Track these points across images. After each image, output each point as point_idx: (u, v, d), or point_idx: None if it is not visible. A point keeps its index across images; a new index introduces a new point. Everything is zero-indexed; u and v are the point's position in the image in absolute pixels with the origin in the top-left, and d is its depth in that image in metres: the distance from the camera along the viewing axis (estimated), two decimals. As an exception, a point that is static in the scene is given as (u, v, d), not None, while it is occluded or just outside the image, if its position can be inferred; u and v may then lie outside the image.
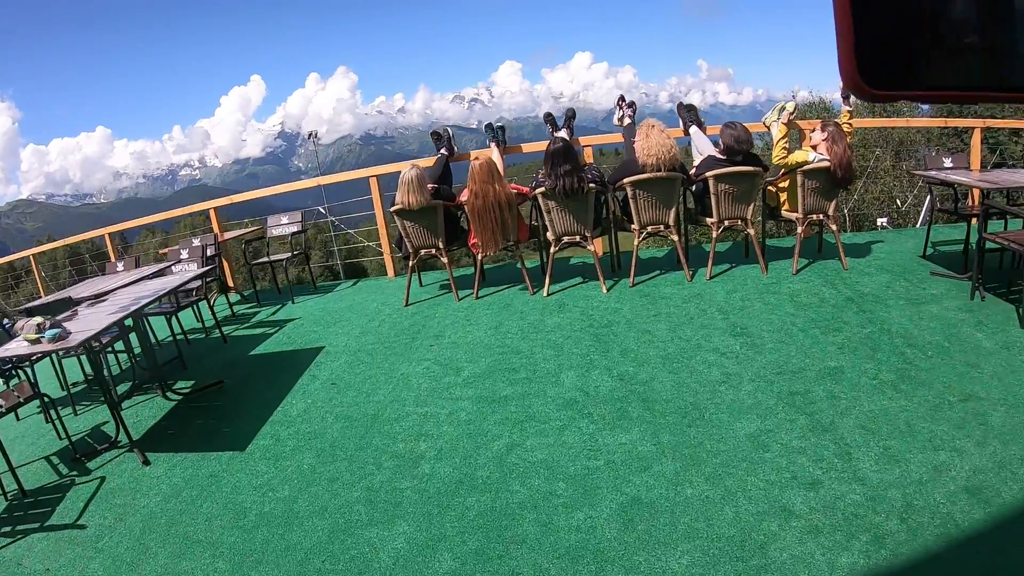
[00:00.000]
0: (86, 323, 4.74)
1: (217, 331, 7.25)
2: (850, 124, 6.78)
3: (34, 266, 13.24)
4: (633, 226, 6.62)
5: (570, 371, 4.95)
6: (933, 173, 6.81)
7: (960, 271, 6.33)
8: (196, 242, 7.93)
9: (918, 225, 9.95)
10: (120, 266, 7.69)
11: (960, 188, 6.60)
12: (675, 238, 6.65)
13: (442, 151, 7.79)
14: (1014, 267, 6.20)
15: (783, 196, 6.82)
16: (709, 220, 6.63)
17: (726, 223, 6.57)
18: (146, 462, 4.62)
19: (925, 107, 24.81)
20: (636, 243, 6.70)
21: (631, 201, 6.43)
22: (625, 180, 6.34)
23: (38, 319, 4.60)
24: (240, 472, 4.25)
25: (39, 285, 13.21)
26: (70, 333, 4.47)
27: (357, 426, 4.56)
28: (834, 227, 6.63)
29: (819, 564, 2.90)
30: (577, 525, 3.32)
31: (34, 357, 5.35)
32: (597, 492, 3.54)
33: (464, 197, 6.59)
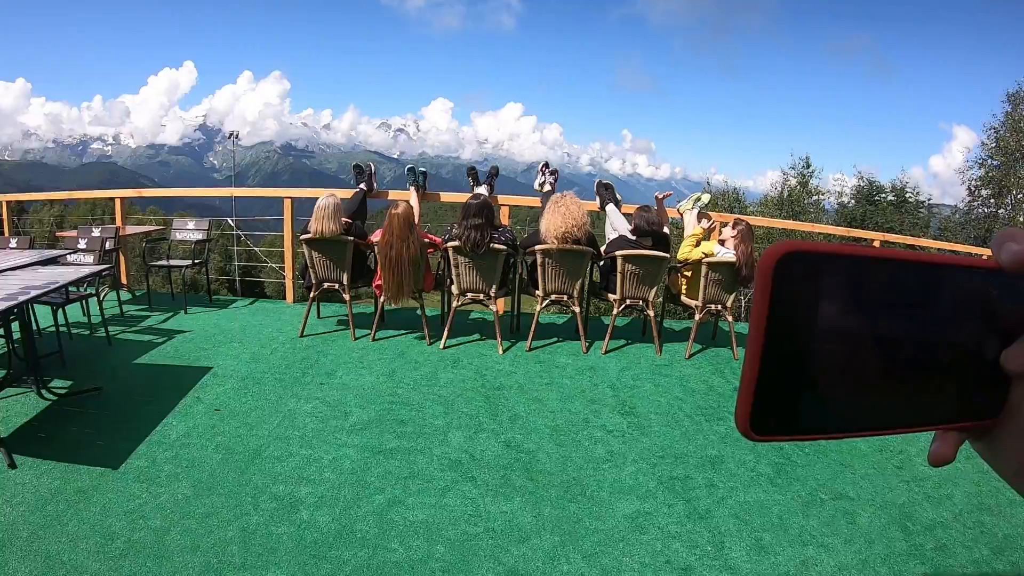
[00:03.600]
0: None
1: (103, 330, 7.03)
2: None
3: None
4: (537, 292, 6.77)
5: (458, 431, 4.98)
6: None
7: None
8: (96, 232, 7.76)
9: None
10: (13, 243, 7.36)
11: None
12: (576, 309, 6.83)
13: (361, 186, 7.79)
14: None
15: (685, 283, 7.08)
16: (612, 296, 6.86)
17: (628, 301, 6.79)
18: (12, 465, 4.40)
19: (830, 209, 26.06)
20: (538, 309, 6.86)
21: (539, 268, 6.59)
22: (536, 247, 6.49)
23: None
24: (111, 492, 4.10)
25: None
26: None
27: (238, 460, 4.48)
28: (730, 318, 6.93)
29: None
30: (451, 594, 3.34)
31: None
32: (475, 559, 3.57)
33: (376, 238, 6.61)
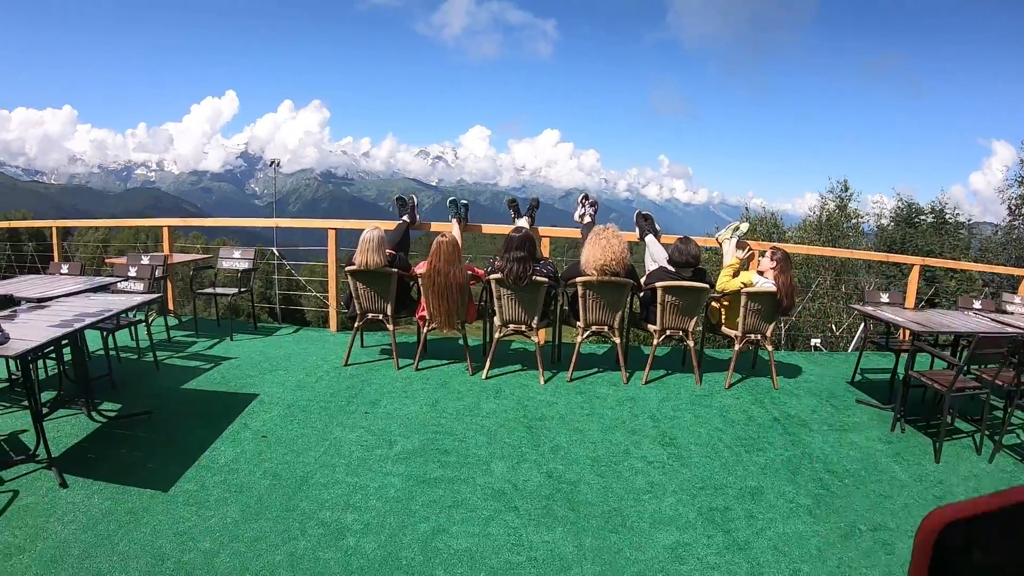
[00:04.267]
0: (26, 330, 4.65)
1: (151, 355, 7.17)
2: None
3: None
4: (578, 323, 6.81)
5: (501, 461, 5.03)
6: (869, 309, 7.17)
7: (885, 401, 6.73)
8: (145, 260, 7.91)
9: (850, 350, 10.30)
10: (64, 269, 7.63)
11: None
12: (617, 340, 6.86)
13: (404, 218, 7.92)
14: (936, 403, 6.53)
15: (723, 313, 7.10)
16: (652, 327, 6.88)
17: (668, 332, 6.81)
18: (64, 484, 4.50)
19: (869, 232, 25.68)
20: (579, 340, 6.89)
21: (580, 299, 6.64)
22: (577, 279, 6.55)
23: None
24: (161, 514, 4.18)
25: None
26: (8, 339, 4.37)
27: (285, 486, 4.56)
28: (770, 347, 6.93)
29: None
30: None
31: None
32: (516, 590, 3.60)
33: (421, 269, 6.72)
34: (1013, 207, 25.21)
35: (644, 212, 7.94)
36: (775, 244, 7.59)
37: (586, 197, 8.14)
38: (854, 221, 25.32)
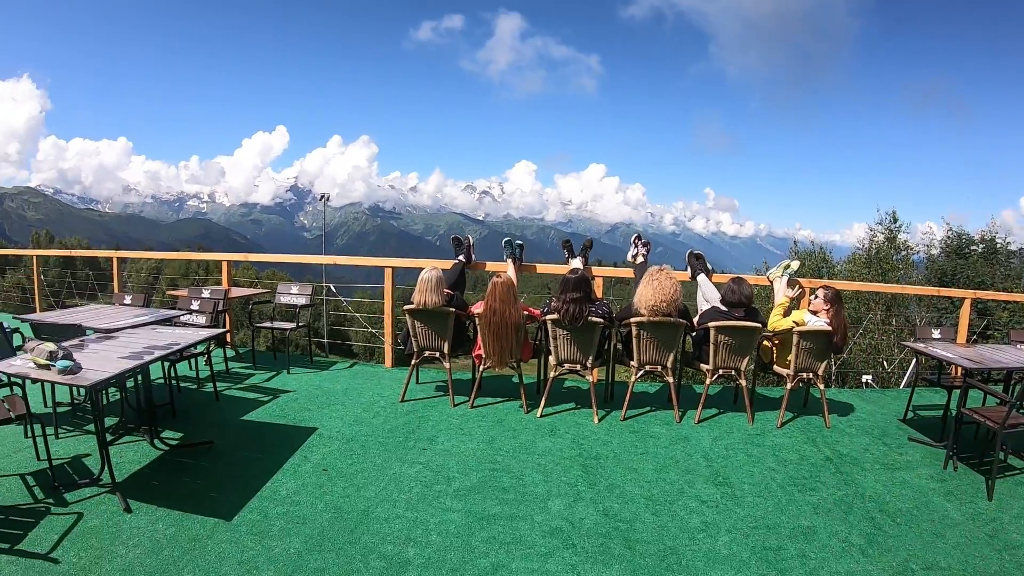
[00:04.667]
0: (96, 360, 4.82)
1: (210, 385, 7.37)
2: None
3: (35, 270, 13.43)
4: (631, 362, 6.87)
5: (558, 499, 5.06)
6: (920, 346, 7.15)
7: (937, 439, 6.68)
8: (206, 293, 8.12)
9: (902, 386, 10.20)
10: (128, 300, 7.92)
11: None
12: (670, 379, 6.90)
13: (460, 258, 8.07)
14: (989, 440, 6.43)
15: (776, 352, 7.11)
16: (704, 366, 6.92)
17: (720, 371, 6.85)
18: (128, 509, 4.63)
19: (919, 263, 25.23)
20: (632, 380, 6.94)
21: (634, 339, 6.70)
22: (631, 319, 6.61)
23: (51, 345, 4.70)
24: (225, 543, 4.27)
25: (36, 291, 13.34)
26: (80, 369, 4.54)
27: (347, 519, 4.63)
28: (821, 386, 6.92)
29: None
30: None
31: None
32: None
33: (478, 309, 6.84)
34: None
35: (696, 252, 8.02)
36: (826, 282, 7.58)
37: (639, 238, 8.23)
38: (904, 252, 24.93)
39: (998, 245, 23.97)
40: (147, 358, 5.01)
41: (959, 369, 7.10)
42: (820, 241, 28.17)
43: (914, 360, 9.23)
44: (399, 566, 4.08)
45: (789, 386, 6.90)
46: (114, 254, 11.94)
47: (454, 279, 7.63)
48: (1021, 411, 5.96)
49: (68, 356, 4.59)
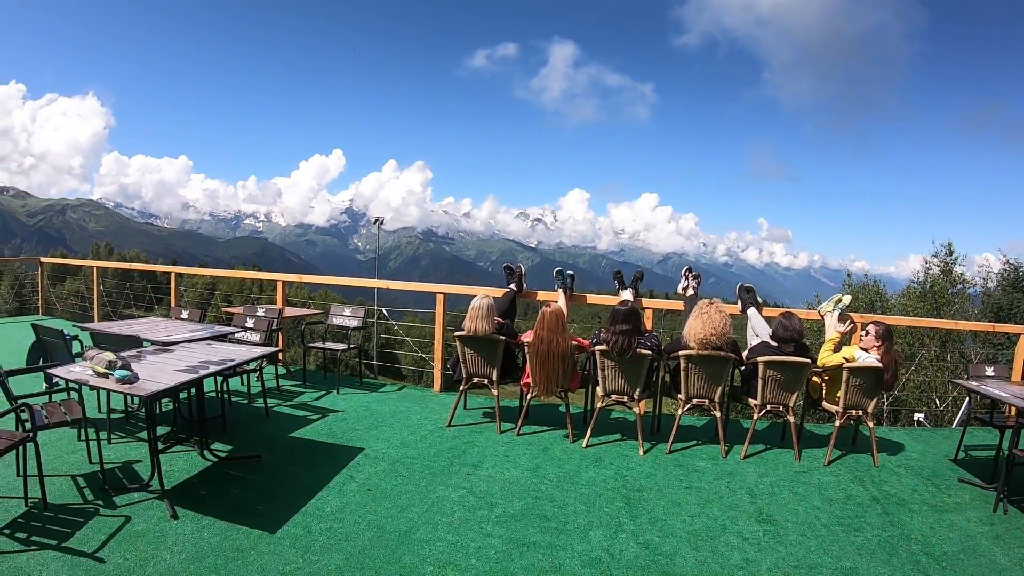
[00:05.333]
0: (152, 372, 4.98)
1: (261, 401, 7.55)
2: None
3: (95, 280, 13.77)
4: (679, 395, 6.87)
5: (599, 529, 5.06)
6: (973, 384, 7.00)
7: (989, 481, 6.54)
8: (261, 312, 8.34)
9: (954, 425, 10.00)
10: (184, 314, 8.18)
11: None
12: (717, 413, 6.88)
13: (512, 286, 8.17)
14: None
15: (825, 388, 7.07)
16: (753, 401, 6.93)
17: (768, 407, 6.83)
18: (175, 516, 4.78)
19: (975, 296, 24.76)
20: (679, 413, 6.94)
21: (682, 372, 6.71)
22: (680, 352, 6.64)
23: (109, 355, 4.86)
24: (268, 555, 4.36)
25: (95, 300, 13.67)
26: (137, 379, 4.69)
27: (389, 538, 4.69)
28: (871, 423, 6.84)
29: None
30: None
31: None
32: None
33: (527, 338, 6.92)
34: None
35: (747, 285, 8.01)
36: (877, 317, 7.49)
37: (689, 270, 8.25)
38: (960, 286, 24.52)
39: None
40: (202, 372, 5.15)
41: (1013, 409, 6.99)
42: (874, 273, 27.86)
43: (967, 399, 9.06)
44: (439, 587, 4.11)
45: (838, 423, 6.83)
46: (173, 269, 12.22)
47: (505, 307, 7.74)
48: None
49: (126, 366, 4.76)
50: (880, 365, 6.60)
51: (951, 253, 24.66)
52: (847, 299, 7.83)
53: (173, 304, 11.16)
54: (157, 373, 4.95)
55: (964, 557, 5.01)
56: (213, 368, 5.32)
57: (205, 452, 5.92)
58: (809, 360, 6.76)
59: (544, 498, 5.57)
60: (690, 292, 8.08)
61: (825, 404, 7.05)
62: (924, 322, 17.11)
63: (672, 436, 7.00)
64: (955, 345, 19.39)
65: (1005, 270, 24.41)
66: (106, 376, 4.69)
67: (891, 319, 8.04)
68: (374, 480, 5.70)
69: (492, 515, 5.18)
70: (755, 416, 6.92)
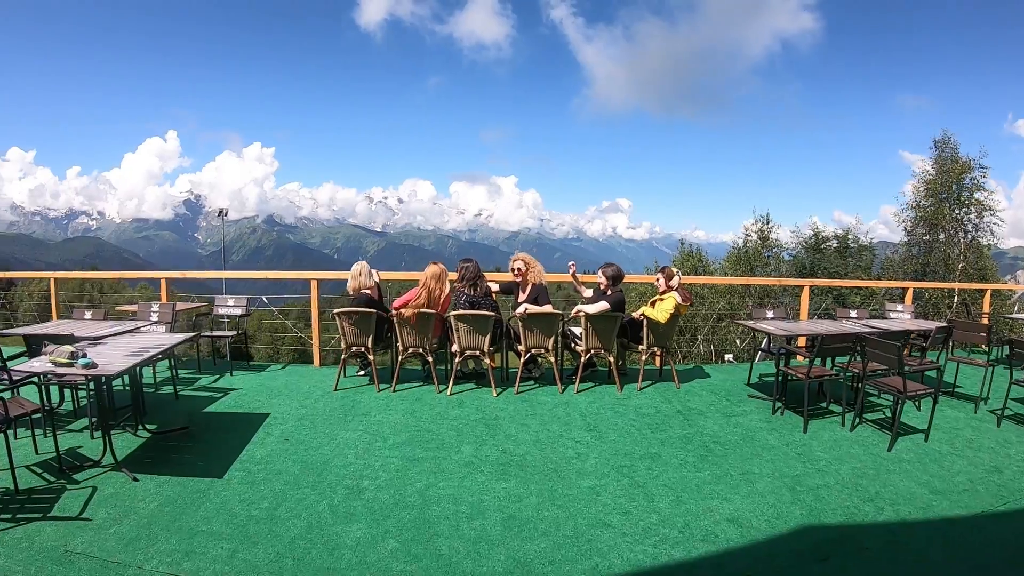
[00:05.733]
0: (104, 360, 5.76)
1: (169, 387, 8.60)
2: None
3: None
4: (520, 347, 8.56)
5: (468, 445, 6.68)
6: (749, 323, 9.01)
7: (771, 395, 8.39)
8: (157, 308, 9.25)
9: (756, 362, 11.89)
10: (88, 315, 8.85)
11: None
12: (552, 358, 8.65)
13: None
14: (819, 395, 8.49)
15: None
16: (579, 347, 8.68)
17: (591, 350, 8.63)
18: (135, 479, 5.65)
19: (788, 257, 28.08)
20: (521, 361, 8.66)
21: (521, 328, 8.42)
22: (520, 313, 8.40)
23: (69, 347, 5.62)
24: (224, 491, 5.49)
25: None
26: (97, 365, 5.53)
27: (313, 468, 6.02)
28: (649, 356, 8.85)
29: (623, 551, 4.72)
30: (474, 528, 5.01)
31: (46, 377, 6.15)
32: (487, 512, 5.26)
33: (400, 303, 8.43)
34: (908, 228, 27.87)
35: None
36: (698, 279, 9.26)
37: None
38: (774, 250, 27.63)
39: (849, 242, 26.97)
40: (146, 355, 6.09)
41: (803, 340, 9.31)
42: (713, 242, 30.76)
43: (753, 335, 10.97)
44: (359, 491, 5.57)
45: (643, 358, 8.75)
46: (52, 275, 12.31)
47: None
48: (838, 369, 7.96)
49: (86, 355, 5.60)
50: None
51: (768, 222, 27.73)
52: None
53: (55, 311, 11.62)
54: (109, 360, 5.80)
55: (743, 442, 6.91)
56: (153, 351, 6.25)
57: (139, 429, 6.81)
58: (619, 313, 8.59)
59: (424, 431, 7.10)
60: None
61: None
62: (727, 280, 19.85)
63: (518, 381, 8.71)
64: (775, 300, 22.13)
65: (812, 236, 27.73)
66: (70, 365, 5.44)
67: (706, 279, 9.44)
68: (288, 432, 6.97)
69: (386, 444, 6.68)
70: (582, 359, 8.69)
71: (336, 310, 8.42)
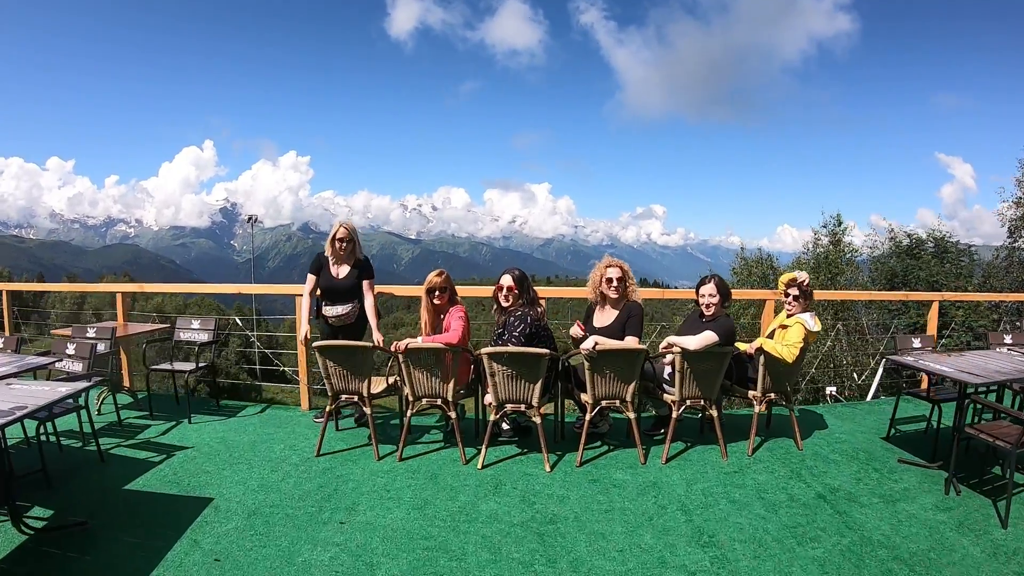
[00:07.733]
0: None
1: (110, 436, 6.67)
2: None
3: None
4: (584, 396, 6.16)
5: (509, 583, 4.11)
6: (909, 360, 6.48)
7: (929, 459, 6.31)
8: (91, 332, 7.30)
9: (868, 398, 9.84)
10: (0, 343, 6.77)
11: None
12: (631, 415, 6.15)
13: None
14: (986, 456, 6.33)
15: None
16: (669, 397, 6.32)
17: (688, 402, 6.27)
18: None
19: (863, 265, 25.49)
20: (587, 418, 6.22)
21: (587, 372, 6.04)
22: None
23: None
24: None
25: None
26: None
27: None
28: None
29: None
30: None
31: None
32: None
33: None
34: (1012, 228, 25.21)
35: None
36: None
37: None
38: (849, 255, 25.13)
39: (948, 245, 24.35)
40: (7, 419, 4.06)
41: (946, 380, 6.60)
42: (750, 248, 28.65)
43: (880, 370, 8.72)
44: None
45: (757, 409, 6.51)
46: (4, 287, 10.61)
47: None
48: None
49: None
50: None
51: (840, 224, 25.27)
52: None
53: (7, 330, 9.94)
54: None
55: (935, 556, 4.57)
56: (21, 414, 4.19)
57: (21, 525, 4.72)
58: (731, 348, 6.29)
59: (438, 548, 4.57)
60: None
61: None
62: (836, 294, 17.05)
63: (581, 447, 6.21)
64: (849, 314, 19.75)
65: (893, 237, 25.18)
66: None
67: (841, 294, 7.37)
68: (224, 544, 4.58)
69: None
70: (673, 414, 6.27)
71: (317, 343, 6.14)
